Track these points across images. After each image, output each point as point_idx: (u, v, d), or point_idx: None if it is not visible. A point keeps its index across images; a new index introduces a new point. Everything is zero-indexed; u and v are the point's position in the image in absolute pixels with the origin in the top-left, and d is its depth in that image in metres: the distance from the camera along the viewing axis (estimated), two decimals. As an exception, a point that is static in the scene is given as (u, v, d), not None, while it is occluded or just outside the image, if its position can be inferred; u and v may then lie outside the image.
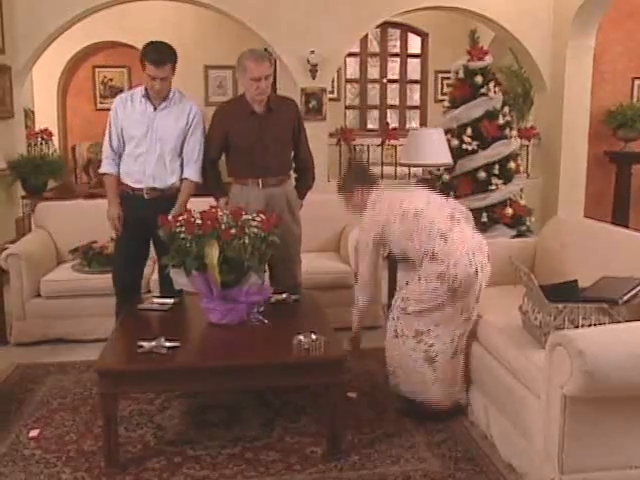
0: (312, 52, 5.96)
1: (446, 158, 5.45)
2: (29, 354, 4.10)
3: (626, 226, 5.75)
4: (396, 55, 9.22)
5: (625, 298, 2.66)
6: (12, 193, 6.01)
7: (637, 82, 7.55)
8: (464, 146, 5.74)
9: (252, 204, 3.56)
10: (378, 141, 7.02)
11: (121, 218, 3.62)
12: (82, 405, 3.38)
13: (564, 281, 3.04)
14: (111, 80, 9.05)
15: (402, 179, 6.61)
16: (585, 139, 6.58)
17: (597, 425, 2.41)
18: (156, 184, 3.61)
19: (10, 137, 5.90)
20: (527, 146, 6.73)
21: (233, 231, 3.03)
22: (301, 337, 2.82)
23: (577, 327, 2.65)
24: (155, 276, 4.02)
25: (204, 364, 2.87)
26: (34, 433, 3.07)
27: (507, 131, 5.84)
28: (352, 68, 9.15)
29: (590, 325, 2.66)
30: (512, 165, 5.84)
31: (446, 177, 5.89)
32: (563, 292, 2.82)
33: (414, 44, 9.17)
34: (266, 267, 3.35)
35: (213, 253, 2.97)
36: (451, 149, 5.55)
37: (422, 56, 9.14)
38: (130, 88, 8.08)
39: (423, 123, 9.01)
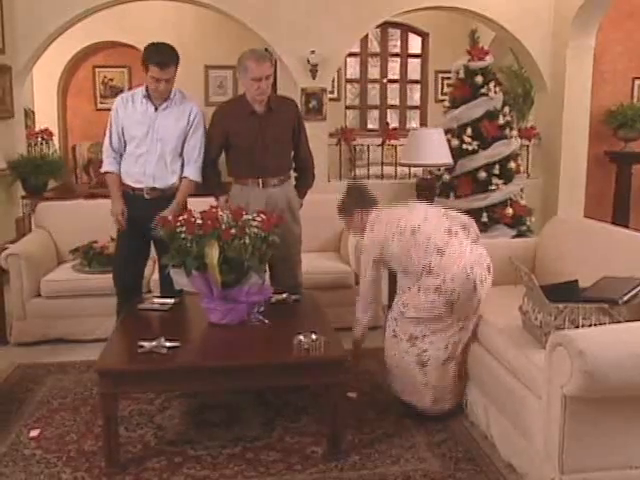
0: (312, 52, 5.96)
1: (446, 158, 5.46)
2: (29, 354, 4.10)
3: (626, 226, 5.75)
4: (396, 55, 9.21)
5: (625, 298, 2.66)
6: (12, 193, 6.01)
7: (637, 82, 7.55)
8: (464, 146, 5.75)
9: (252, 204, 3.56)
10: (378, 141, 7.02)
11: (125, 214, 3.61)
12: (82, 405, 3.38)
13: (564, 281, 3.04)
14: (111, 80, 9.04)
15: (402, 178, 6.62)
16: (585, 139, 6.58)
17: (597, 425, 2.41)
18: (156, 184, 3.61)
19: (10, 137, 5.90)
20: (527, 146, 6.73)
21: (233, 231, 3.03)
22: (301, 337, 2.82)
23: (577, 327, 2.65)
24: (155, 276, 4.02)
25: (204, 364, 2.87)
26: (34, 433, 3.07)
27: (507, 131, 5.85)
28: (352, 68, 9.15)
29: (590, 325, 2.66)
30: (512, 165, 5.85)
31: (446, 177, 5.90)
32: (563, 292, 2.82)
33: (414, 44, 9.17)
34: (266, 267, 3.36)
35: (213, 253, 2.97)
36: (451, 149, 5.56)
37: (422, 56, 9.13)
38: (130, 88, 8.08)
39: (423, 123, 9.01)
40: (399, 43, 9.22)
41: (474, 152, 5.74)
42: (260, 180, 3.68)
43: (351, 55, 8.38)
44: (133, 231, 3.62)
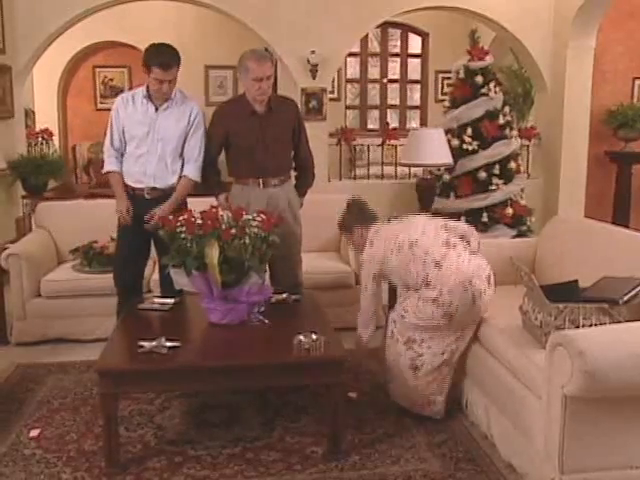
0: (312, 52, 5.95)
1: (446, 158, 5.46)
2: (29, 354, 4.10)
3: (626, 226, 5.75)
4: (396, 55, 9.21)
5: (626, 298, 2.66)
6: (12, 193, 6.01)
7: (638, 82, 7.54)
8: (464, 146, 5.75)
9: (253, 204, 3.56)
10: (378, 141, 7.01)
11: (130, 211, 3.61)
12: (82, 405, 3.38)
13: (564, 281, 3.04)
14: (111, 80, 9.04)
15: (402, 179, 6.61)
16: (585, 139, 6.57)
17: (597, 425, 2.41)
18: (157, 184, 3.61)
19: (10, 137, 5.90)
20: (527, 146, 6.72)
21: (233, 231, 3.03)
22: (301, 337, 2.82)
23: (578, 327, 2.65)
24: (155, 276, 4.02)
25: (204, 364, 2.87)
26: (34, 433, 3.07)
27: (507, 131, 5.85)
28: (352, 68, 9.14)
29: (591, 325, 2.66)
30: (512, 165, 5.84)
31: (446, 177, 5.89)
32: (564, 292, 2.82)
33: (414, 44, 9.16)
34: (266, 267, 3.36)
35: (213, 253, 2.97)
36: (451, 149, 5.56)
37: (422, 56, 9.13)
38: (130, 88, 8.09)
39: (423, 123, 9.00)
40: (399, 43, 9.22)
41: (474, 152, 5.74)
42: (260, 180, 3.68)
43: (351, 55, 8.38)
44: (133, 231, 3.62)
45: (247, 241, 3.03)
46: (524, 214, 5.85)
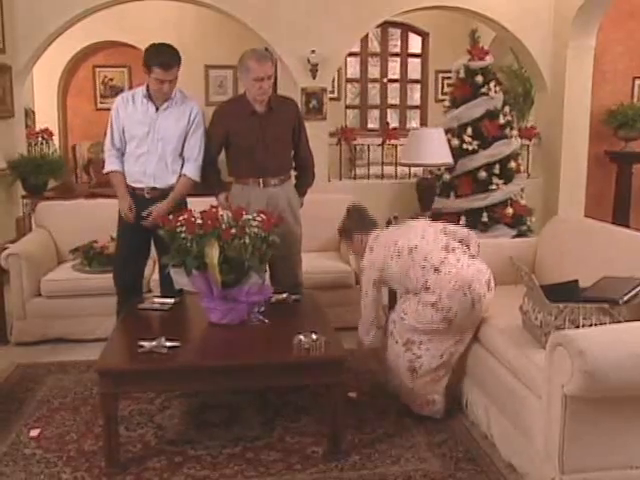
0: (312, 52, 5.95)
1: (447, 158, 5.46)
2: (29, 354, 4.10)
3: (627, 226, 5.74)
4: (396, 55, 9.20)
5: (626, 298, 2.66)
6: (12, 193, 6.01)
7: (638, 82, 7.54)
8: (465, 146, 5.75)
9: (253, 204, 3.56)
10: (378, 141, 7.01)
11: (133, 209, 3.61)
12: (82, 405, 3.38)
13: (564, 281, 3.04)
14: (111, 80, 9.05)
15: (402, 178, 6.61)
16: (586, 139, 6.57)
17: (597, 425, 2.41)
18: (157, 184, 3.61)
19: (10, 137, 5.90)
20: (528, 146, 6.72)
21: (233, 231, 3.03)
22: (301, 337, 2.82)
23: (578, 327, 2.65)
24: (155, 276, 4.02)
25: (204, 364, 2.87)
26: (35, 433, 3.07)
27: (508, 131, 5.84)
28: (352, 68, 9.14)
29: (591, 325, 2.65)
30: (513, 165, 5.84)
31: (447, 177, 5.89)
32: (564, 292, 2.82)
33: (415, 44, 9.16)
34: (266, 267, 3.35)
35: (213, 253, 2.97)
36: (452, 149, 5.56)
37: (423, 56, 9.13)
38: (130, 88, 8.08)
39: (423, 123, 9.00)
40: (399, 43, 9.22)
41: (474, 152, 5.74)
42: (261, 180, 3.68)
43: (351, 55, 8.37)
44: (133, 231, 3.62)
45: (247, 241, 3.03)
46: (524, 214, 5.85)
